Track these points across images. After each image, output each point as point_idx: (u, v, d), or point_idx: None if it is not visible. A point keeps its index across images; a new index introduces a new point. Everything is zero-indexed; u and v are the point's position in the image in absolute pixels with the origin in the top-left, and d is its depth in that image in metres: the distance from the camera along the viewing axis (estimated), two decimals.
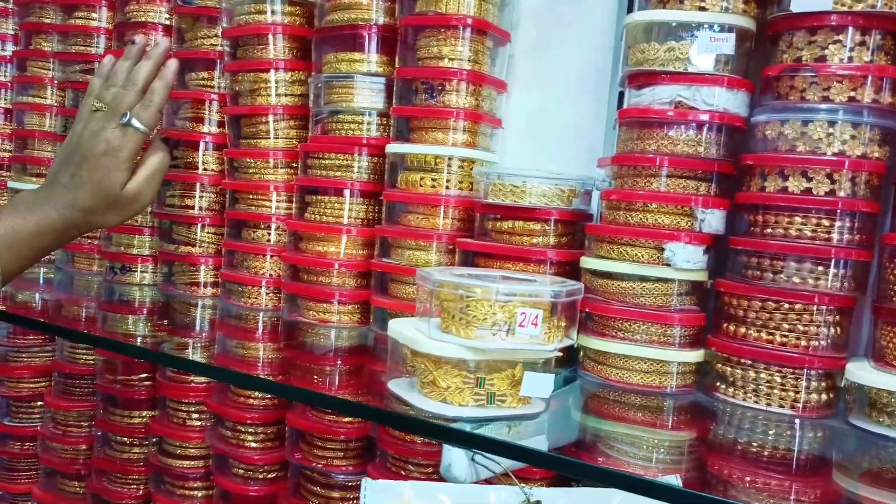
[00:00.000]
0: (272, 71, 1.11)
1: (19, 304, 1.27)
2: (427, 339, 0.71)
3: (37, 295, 1.34)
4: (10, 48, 1.53)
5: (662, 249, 0.83)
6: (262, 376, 0.89)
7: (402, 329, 0.75)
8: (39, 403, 1.50)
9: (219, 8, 1.20)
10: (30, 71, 1.46)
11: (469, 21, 0.97)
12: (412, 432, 0.99)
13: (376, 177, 1.08)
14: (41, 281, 1.41)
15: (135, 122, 0.91)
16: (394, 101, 1.04)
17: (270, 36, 1.11)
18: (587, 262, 0.89)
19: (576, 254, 0.91)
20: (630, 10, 0.92)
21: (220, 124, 1.22)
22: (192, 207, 1.22)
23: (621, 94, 0.97)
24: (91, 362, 1.40)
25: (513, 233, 0.93)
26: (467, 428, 0.67)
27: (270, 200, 1.15)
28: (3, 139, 1.53)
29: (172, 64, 0.95)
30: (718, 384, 0.84)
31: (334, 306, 1.07)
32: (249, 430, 1.17)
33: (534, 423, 0.72)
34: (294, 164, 1.15)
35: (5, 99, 1.53)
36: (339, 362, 1.00)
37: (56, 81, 1.43)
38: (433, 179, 1.00)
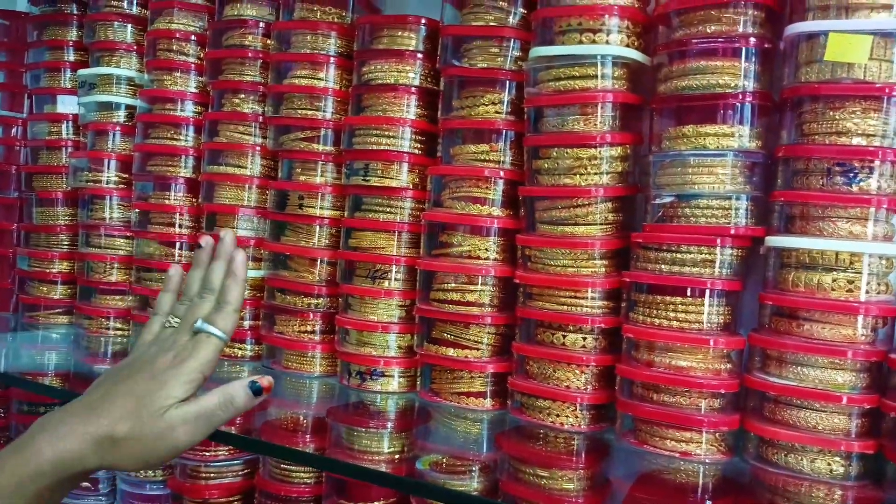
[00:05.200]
0: (599, 147, 0.93)
1: None
2: None
3: None
4: (190, 108, 1.33)
5: None
6: None
7: None
8: None
9: (501, 70, 1.02)
10: (224, 136, 1.27)
11: None
12: None
13: (734, 273, 0.89)
14: None
15: (207, 327, 0.73)
16: (778, 183, 0.86)
17: (599, 105, 0.93)
18: None
19: None
20: None
21: (506, 205, 1.03)
22: (474, 304, 1.02)
23: None
24: (308, 482, 1.18)
25: None
26: None
27: (584, 298, 0.95)
28: (181, 214, 1.32)
29: (240, 256, 0.78)
30: None
31: (701, 435, 0.86)
32: None
33: None
34: (611, 256, 0.96)
35: (185, 167, 1.32)
36: None
37: (258, 148, 1.24)
38: (849, 282, 0.81)
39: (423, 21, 1.10)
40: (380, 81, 1.11)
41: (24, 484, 0.64)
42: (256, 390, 0.71)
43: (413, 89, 1.10)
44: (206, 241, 0.82)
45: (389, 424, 1.08)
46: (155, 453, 0.68)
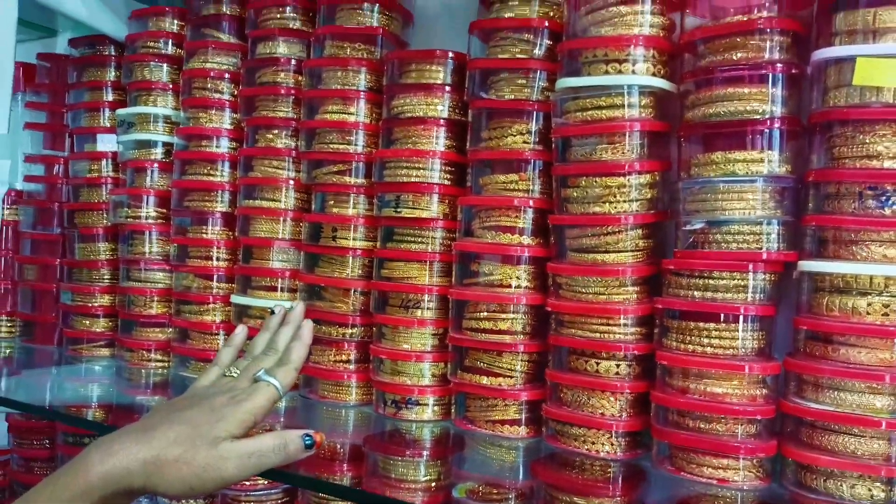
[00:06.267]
0: (628, 175, 0.94)
1: None
2: None
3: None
4: (225, 144, 1.37)
5: None
6: None
7: None
8: None
9: (528, 101, 1.04)
10: (259, 171, 1.30)
11: None
12: None
13: (767, 298, 0.89)
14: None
15: (266, 377, 0.79)
16: (810, 207, 0.86)
17: (626, 134, 0.94)
18: None
19: None
20: None
21: (536, 234, 1.04)
22: (506, 332, 1.03)
23: None
24: None
25: None
26: None
27: (618, 325, 0.95)
28: (218, 247, 1.35)
29: (308, 325, 0.88)
30: None
31: (739, 462, 0.86)
32: None
33: None
34: (643, 283, 0.97)
35: (221, 202, 1.36)
36: None
37: (291, 182, 1.27)
38: (884, 306, 0.81)
39: (451, 55, 1.12)
40: (409, 114, 1.14)
41: (76, 497, 0.68)
42: (309, 444, 0.74)
43: (442, 121, 1.12)
44: (278, 308, 0.89)
45: (425, 453, 1.09)
46: (201, 481, 0.70)
